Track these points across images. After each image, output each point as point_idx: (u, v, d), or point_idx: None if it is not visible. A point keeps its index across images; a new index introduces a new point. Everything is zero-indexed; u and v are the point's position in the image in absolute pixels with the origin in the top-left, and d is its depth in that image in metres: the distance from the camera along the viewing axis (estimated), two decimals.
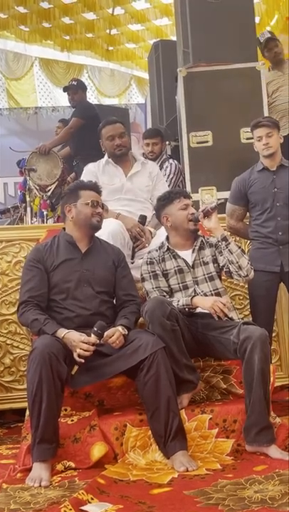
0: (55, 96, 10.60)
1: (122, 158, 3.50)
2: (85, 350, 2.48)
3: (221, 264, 2.88)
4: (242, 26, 4.28)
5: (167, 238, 2.98)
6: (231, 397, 2.78)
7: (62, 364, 2.43)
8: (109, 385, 2.69)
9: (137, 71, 10.98)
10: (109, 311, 2.77)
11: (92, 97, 9.94)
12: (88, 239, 2.85)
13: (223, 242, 2.83)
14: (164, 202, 2.98)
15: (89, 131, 4.83)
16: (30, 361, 2.43)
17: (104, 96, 11.01)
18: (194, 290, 2.83)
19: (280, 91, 4.70)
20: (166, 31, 9.22)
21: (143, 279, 2.89)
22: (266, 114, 4.10)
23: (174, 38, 5.42)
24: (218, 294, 2.84)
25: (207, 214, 2.85)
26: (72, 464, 2.42)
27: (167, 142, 4.94)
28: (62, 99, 9.04)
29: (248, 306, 3.34)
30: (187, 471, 2.35)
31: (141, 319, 2.77)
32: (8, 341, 3.41)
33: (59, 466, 2.41)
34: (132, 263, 3.14)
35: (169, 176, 4.42)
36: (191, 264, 2.89)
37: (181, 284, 2.86)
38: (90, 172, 3.49)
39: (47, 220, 4.66)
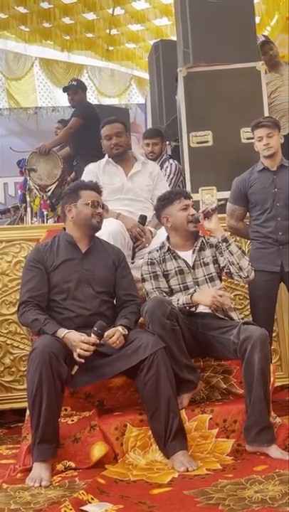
0: (55, 96, 10.60)
1: (121, 157, 3.50)
2: (85, 350, 2.48)
3: (221, 265, 2.88)
4: (242, 26, 4.28)
5: (168, 238, 2.98)
6: (231, 397, 2.78)
7: (63, 364, 2.43)
8: (109, 385, 2.69)
9: (137, 71, 10.98)
10: (110, 311, 2.77)
11: (92, 97, 9.94)
12: (88, 239, 2.85)
13: (224, 243, 2.83)
14: (164, 202, 2.98)
15: (89, 131, 4.84)
16: (31, 361, 2.43)
17: (104, 96, 11.01)
18: (195, 291, 2.83)
19: (278, 92, 4.73)
20: (166, 31, 9.22)
21: (143, 280, 2.89)
22: (266, 114, 4.10)
23: (174, 38, 5.42)
24: None
25: (207, 215, 2.85)
26: (73, 464, 2.42)
27: (167, 142, 4.93)
28: (63, 100, 9.04)
29: (248, 306, 3.34)
30: (187, 471, 2.35)
31: (141, 319, 2.77)
32: (9, 341, 3.41)
33: (59, 466, 2.41)
34: (132, 263, 3.13)
35: (169, 176, 4.42)
36: (191, 264, 2.89)
37: (181, 285, 2.86)
38: (91, 172, 3.49)
39: (47, 220, 4.66)
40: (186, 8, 4.27)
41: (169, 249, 2.92)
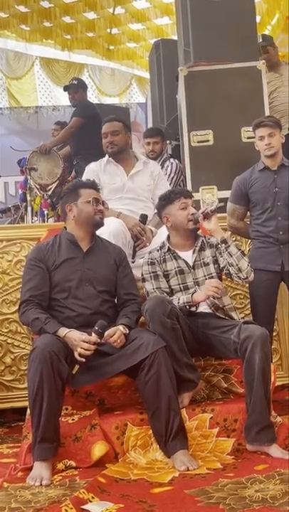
0: (55, 95, 10.59)
1: (122, 157, 3.51)
2: (86, 350, 2.48)
3: (221, 266, 2.88)
4: (243, 25, 4.27)
5: (168, 238, 2.98)
6: (232, 396, 2.78)
7: (63, 363, 2.43)
8: (110, 384, 2.69)
9: (137, 70, 10.97)
10: (111, 311, 2.77)
11: (92, 97, 9.94)
12: (90, 238, 2.85)
13: (223, 245, 2.82)
14: (164, 202, 2.98)
15: (89, 131, 4.84)
16: (31, 360, 2.43)
17: (104, 95, 11.00)
18: (195, 291, 2.83)
19: (277, 92, 4.74)
20: (166, 30, 9.21)
21: (144, 280, 2.89)
22: (267, 113, 4.09)
23: (175, 37, 5.42)
24: None
25: (207, 216, 2.85)
26: (73, 463, 2.43)
27: (168, 141, 4.93)
28: (63, 99, 9.03)
29: (249, 306, 3.33)
30: (188, 470, 2.35)
31: (142, 318, 2.77)
32: (9, 340, 3.41)
33: (60, 465, 2.41)
34: (133, 262, 3.14)
35: (169, 175, 4.42)
36: (191, 265, 2.89)
37: (181, 285, 2.86)
38: (92, 171, 3.49)
39: (48, 219, 4.67)
40: (186, 7, 4.26)
41: (169, 249, 2.92)
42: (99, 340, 2.52)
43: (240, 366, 2.65)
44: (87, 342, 2.49)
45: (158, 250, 2.94)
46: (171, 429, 2.45)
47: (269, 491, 2.03)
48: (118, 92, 11.20)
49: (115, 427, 2.54)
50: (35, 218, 4.73)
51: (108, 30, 9.77)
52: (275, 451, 2.45)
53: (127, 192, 3.44)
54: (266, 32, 7.92)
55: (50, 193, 4.75)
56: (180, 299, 2.76)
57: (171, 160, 4.59)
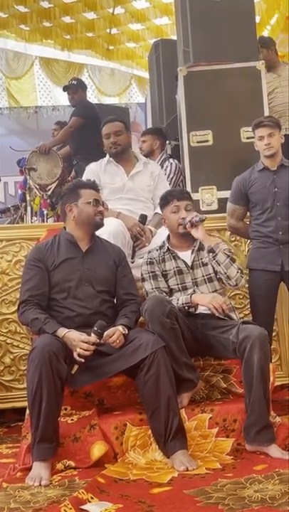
0: (55, 95, 10.59)
1: (122, 157, 3.51)
2: (85, 350, 2.48)
3: (215, 270, 2.88)
4: (242, 25, 4.26)
5: (168, 238, 2.98)
6: (231, 396, 2.78)
7: (63, 363, 2.43)
8: (109, 384, 2.69)
9: (137, 70, 10.97)
10: (110, 311, 2.77)
11: (92, 97, 9.93)
12: (89, 238, 2.85)
13: (210, 254, 2.83)
14: (161, 203, 3.00)
15: (89, 131, 4.84)
16: (30, 360, 2.43)
17: (104, 95, 11.00)
18: (194, 291, 2.83)
19: (275, 93, 4.73)
20: (166, 30, 9.20)
21: (143, 279, 2.89)
22: (266, 113, 4.09)
23: (175, 37, 5.41)
24: None
25: (193, 225, 2.85)
26: (72, 463, 2.43)
27: (167, 141, 4.94)
28: (63, 99, 9.02)
29: (248, 306, 3.34)
30: (187, 470, 2.35)
31: (141, 318, 2.77)
32: (8, 340, 3.41)
33: (59, 465, 2.41)
34: (132, 262, 3.14)
35: (169, 175, 4.42)
36: (190, 265, 2.89)
37: (180, 285, 2.86)
38: (92, 171, 3.49)
39: (47, 219, 4.67)
40: (186, 7, 4.25)
41: (168, 249, 2.92)
42: (98, 341, 2.52)
43: (239, 366, 2.65)
44: (86, 342, 2.49)
45: (157, 250, 2.94)
46: (171, 429, 2.45)
47: (268, 491, 2.03)
48: (118, 92, 11.20)
49: (114, 427, 2.54)
50: (35, 218, 4.73)
51: (108, 30, 9.76)
52: (274, 451, 2.45)
53: (126, 192, 3.44)
54: (266, 32, 7.93)
55: (49, 193, 4.75)
56: (179, 300, 2.76)
57: (171, 160, 4.59)
